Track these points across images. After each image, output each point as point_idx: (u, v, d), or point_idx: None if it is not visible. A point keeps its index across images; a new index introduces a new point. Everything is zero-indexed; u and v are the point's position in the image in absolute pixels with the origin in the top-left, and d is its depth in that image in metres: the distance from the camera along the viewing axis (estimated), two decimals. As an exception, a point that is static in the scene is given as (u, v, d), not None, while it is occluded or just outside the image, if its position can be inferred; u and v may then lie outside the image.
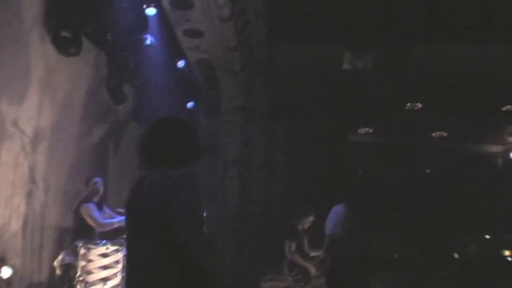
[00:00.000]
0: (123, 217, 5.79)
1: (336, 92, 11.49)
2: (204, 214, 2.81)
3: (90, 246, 5.68)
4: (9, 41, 5.62)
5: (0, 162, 5.64)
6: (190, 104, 11.00)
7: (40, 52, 6.21)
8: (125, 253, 2.88)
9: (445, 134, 12.75)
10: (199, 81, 11.03)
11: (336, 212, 4.76)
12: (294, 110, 11.96)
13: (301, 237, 7.33)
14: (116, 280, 5.63)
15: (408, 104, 11.91)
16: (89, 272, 5.62)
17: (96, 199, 6.38)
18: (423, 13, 9.85)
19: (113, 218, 6.27)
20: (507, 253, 9.23)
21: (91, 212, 6.12)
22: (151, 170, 2.90)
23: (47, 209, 6.59)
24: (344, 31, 10.47)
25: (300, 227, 7.36)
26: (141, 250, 2.76)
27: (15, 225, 5.98)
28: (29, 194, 6.19)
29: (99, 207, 6.35)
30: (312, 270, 7.09)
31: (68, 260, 5.95)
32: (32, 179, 6.23)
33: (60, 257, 6.03)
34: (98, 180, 6.46)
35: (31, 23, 6.03)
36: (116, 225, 6.06)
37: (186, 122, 3.04)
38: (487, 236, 9.83)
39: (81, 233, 6.04)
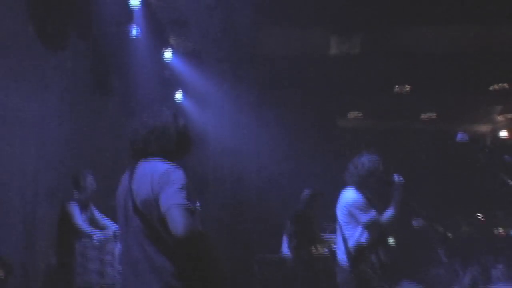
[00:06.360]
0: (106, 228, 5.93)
1: (324, 77, 11.47)
2: (197, 205, 2.80)
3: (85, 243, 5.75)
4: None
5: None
6: (177, 95, 10.96)
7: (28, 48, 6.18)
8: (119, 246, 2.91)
9: (434, 115, 12.79)
10: (187, 71, 10.97)
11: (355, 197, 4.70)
12: (282, 96, 11.93)
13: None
14: (112, 273, 5.68)
15: (396, 87, 11.91)
16: (85, 268, 5.67)
17: (83, 196, 6.30)
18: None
19: (99, 219, 6.29)
20: (500, 231, 9.32)
21: (73, 213, 6.08)
22: (142, 161, 2.89)
23: (39, 205, 6.56)
24: (329, 15, 10.44)
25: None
26: (133, 242, 2.76)
27: (10, 222, 5.98)
28: (22, 190, 6.18)
29: (85, 206, 6.29)
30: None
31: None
32: (24, 175, 6.20)
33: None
34: (90, 176, 6.39)
35: (17, 20, 5.98)
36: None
37: (177, 115, 3.05)
38: (479, 215, 9.92)
39: (69, 230, 6.04)
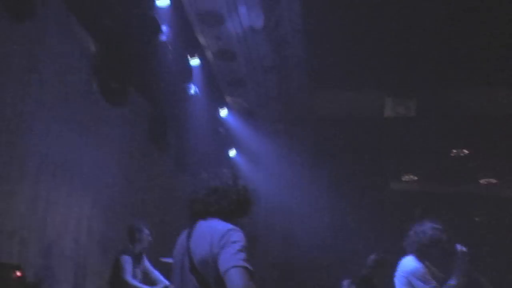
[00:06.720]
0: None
1: (378, 139, 11.36)
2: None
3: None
4: (62, 92, 5.86)
5: (51, 203, 5.77)
6: (231, 152, 11.07)
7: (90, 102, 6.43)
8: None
9: (494, 180, 12.37)
10: (241, 129, 11.11)
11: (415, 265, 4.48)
12: (335, 156, 11.85)
13: None
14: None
15: (454, 150, 11.64)
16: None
17: (138, 249, 6.28)
18: (465, 58, 9.74)
19: (151, 272, 6.24)
20: None
21: (124, 266, 6.06)
22: (200, 220, 2.88)
23: (91, 253, 6.63)
24: (385, 78, 10.43)
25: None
26: None
27: (62, 268, 6.06)
28: (76, 237, 6.27)
29: (138, 258, 6.26)
30: None
31: None
32: (79, 222, 6.31)
33: None
34: (145, 229, 6.38)
35: (83, 76, 6.26)
36: None
37: (237, 175, 3.05)
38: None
39: (119, 283, 6.02)
